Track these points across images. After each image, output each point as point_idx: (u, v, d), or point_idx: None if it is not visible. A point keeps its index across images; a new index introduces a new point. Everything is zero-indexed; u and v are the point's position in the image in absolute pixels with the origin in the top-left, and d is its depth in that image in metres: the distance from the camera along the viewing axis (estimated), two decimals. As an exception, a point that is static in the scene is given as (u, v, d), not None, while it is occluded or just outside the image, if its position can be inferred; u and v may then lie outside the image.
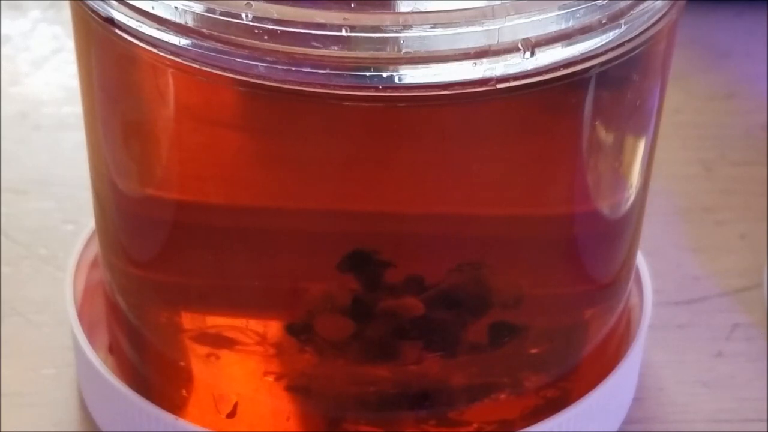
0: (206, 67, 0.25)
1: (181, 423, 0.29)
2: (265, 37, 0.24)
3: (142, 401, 0.30)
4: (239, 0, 0.24)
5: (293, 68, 0.24)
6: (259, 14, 0.24)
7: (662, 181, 0.40)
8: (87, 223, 0.34)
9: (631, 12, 0.25)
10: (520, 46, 0.24)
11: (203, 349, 0.29)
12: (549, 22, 0.24)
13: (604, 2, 0.25)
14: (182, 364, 0.30)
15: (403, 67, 0.24)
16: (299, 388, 0.29)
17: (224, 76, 0.24)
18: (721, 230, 0.39)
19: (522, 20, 0.24)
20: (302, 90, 0.24)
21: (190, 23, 0.24)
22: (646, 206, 0.31)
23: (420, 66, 0.24)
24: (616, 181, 0.29)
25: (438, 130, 0.25)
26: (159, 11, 0.25)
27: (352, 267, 0.27)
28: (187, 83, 0.25)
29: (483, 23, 0.24)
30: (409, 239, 0.27)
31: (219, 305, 0.29)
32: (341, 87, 0.24)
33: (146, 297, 0.30)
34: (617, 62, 0.26)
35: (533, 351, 0.29)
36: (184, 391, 0.30)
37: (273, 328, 0.28)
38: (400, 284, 0.27)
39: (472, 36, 0.24)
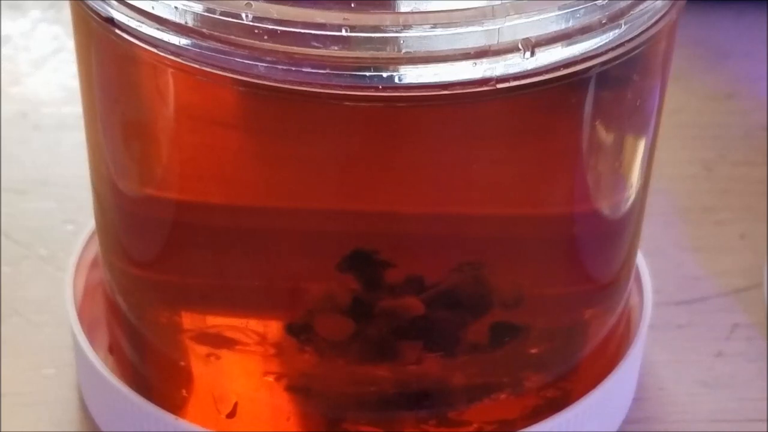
0: (206, 67, 0.25)
1: (181, 423, 0.29)
2: (265, 37, 0.24)
3: (142, 401, 0.30)
4: (239, 0, 0.24)
5: (293, 68, 0.24)
6: (259, 14, 0.24)
7: (662, 181, 0.40)
8: (87, 223, 0.34)
9: (631, 12, 0.25)
10: (520, 46, 0.24)
11: (203, 349, 0.29)
12: (549, 22, 0.24)
13: (604, 2, 0.25)
14: (182, 364, 0.30)
15: (403, 67, 0.24)
16: (299, 388, 0.29)
17: (224, 76, 0.24)
18: (721, 230, 0.39)
19: (522, 20, 0.24)
20: (302, 90, 0.24)
21: (190, 23, 0.24)
22: (646, 206, 0.31)
23: (420, 66, 0.24)
24: (616, 181, 0.29)
25: (438, 130, 0.25)
26: (159, 11, 0.25)
27: (352, 267, 0.27)
28: (187, 83, 0.25)
29: (483, 23, 0.24)
30: (409, 239, 0.27)
31: (219, 305, 0.29)
32: (341, 87, 0.24)
33: (146, 297, 0.30)
34: (617, 62, 0.26)
35: (533, 351, 0.29)
36: (184, 391, 0.30)
37: (273, 328, 0.28)
38: (400, 284, 0.27)
39: (472, 36, 0.24)
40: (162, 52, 0.25)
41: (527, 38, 0.24)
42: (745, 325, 0.36)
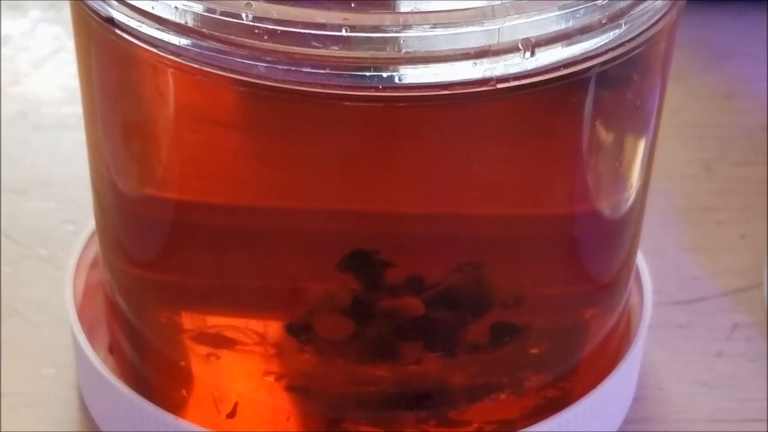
0: (206, 67, 0.25)
1: (181, 423, 0.29)
2: (265, 37, 0.24)
3: (142, 401, 0.30)
4: (239, 0, 0.24)
5: (293, 68, 0.24)
6: (259, 14, 0.24)
7: (662, 181, 0.40)
8: (87, 223, 0.34)
9: (631, 12, 0.25)
10: (520, 46, 0.24)
11: (203, 349, 0.29)
12: (549, 22, 0.24)
13: (604, 2, 0.25)
14: (182, 364, 0.30)
15: (403, 67, 0.24)
16: (299, 388, 0.29)
17: (224, 76, 0.24)
18: (721, 230, 0.39)
19: (522, 20, 0.24)
20: (302, 90, 0.24)
21: (190, 23, 0.24)
22: (646, 206, 0.31)
23: (420, 66, 0.24)
24: (616, 181, 0.29)
25: (438, 130, 0.25)
26: (159, 11, 0.25)
27: (352, 267, 0.27)
28: (187, 83, 0.25)
29: (483, 23, 0.24)
30: (409, 239, 0.27)
31: (219, 305, 0.29)
32: (341, 87, 0.24)
33: (146, 297, 0.30)
34: (617, 62, 0.26)
35: (533, 351, 0.29)
36: (184, 391, 0.30)
37: (273, 328, 0.28)
38: (400, 284, 0.27)
39: (472, 36, 0.24)
40: (162, 52, 0.25)
41: (527, 38, 0.24)
42: (745, 325, 0.36)
